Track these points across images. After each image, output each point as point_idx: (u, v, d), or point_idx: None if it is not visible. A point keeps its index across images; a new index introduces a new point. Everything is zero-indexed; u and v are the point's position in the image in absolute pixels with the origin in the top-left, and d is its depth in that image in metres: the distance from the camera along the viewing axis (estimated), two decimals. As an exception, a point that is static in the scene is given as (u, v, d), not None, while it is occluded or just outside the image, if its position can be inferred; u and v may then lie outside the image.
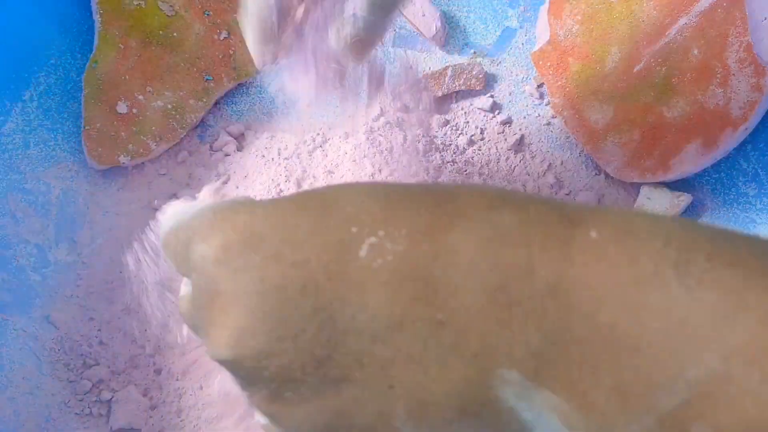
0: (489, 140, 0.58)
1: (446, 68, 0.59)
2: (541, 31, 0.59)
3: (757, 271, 0.24)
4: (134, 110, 0.55)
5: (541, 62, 0.59)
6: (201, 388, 0.47)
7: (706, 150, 0.52)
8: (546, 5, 0.59)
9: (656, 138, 0.54)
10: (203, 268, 0.28)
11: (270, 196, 0.51)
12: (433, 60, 0.61)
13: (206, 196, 0.35)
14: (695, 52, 0.53)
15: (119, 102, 0.55)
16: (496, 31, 0.62)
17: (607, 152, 0.55)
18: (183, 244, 0.29)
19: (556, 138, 0.58)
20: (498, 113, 0.59)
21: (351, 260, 0.26)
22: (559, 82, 0.58)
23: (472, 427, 0.27)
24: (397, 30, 0.62)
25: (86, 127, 0.54)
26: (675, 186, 0.54)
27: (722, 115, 0.52)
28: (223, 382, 0.47)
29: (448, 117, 0.58)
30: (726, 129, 0.52)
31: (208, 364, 0.47)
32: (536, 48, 0.59)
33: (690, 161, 0.53)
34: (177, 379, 0.47)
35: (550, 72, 0.58)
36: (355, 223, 0.26)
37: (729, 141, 0.52)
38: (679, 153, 0.53)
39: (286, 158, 0.53)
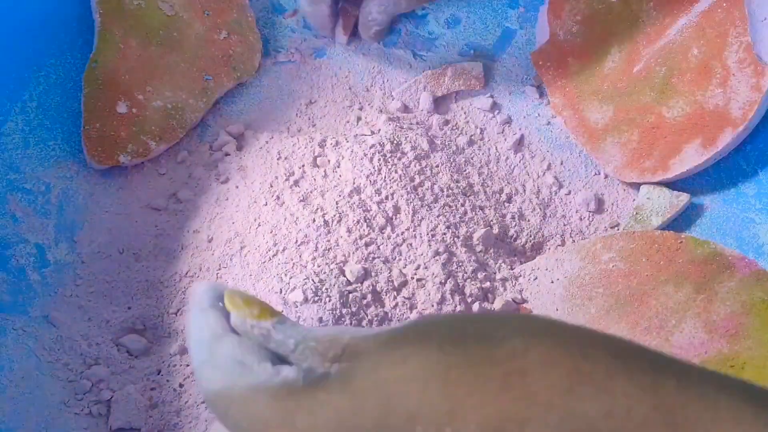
0: (489, 140, 0.58)
1: (446, 68, 0.59)
2: (541, 31, 0.59)
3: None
4: (134, 110, 0.55)
5: (540, 62, 0.59)
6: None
7: (706, 150, 0.52)
8: (546, 5, 0.59)
9: (656, 138, 0.54)
10: None
11: (269, 196, 0.51)
12: (433, 60, 0.61)
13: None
14: (695, 52, 0.53)
15: (119, 102, 0.55)
16: (496, 31, 0.62)
17: (606, 152, 0.55)
18: (232, 419, 0.29)
19: (556, 138, 0.58)
20: (498, 113, 0.59)
21: None
22: (559, 82, 0.58)
23: None
24: (400, 33, 0.62)
25: (86, 127, 0.54)
26: (675, 186, 0.54)
27: (722, 115, 0.52)
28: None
29: (447, 117, 0.58)
30: (726, 129, 0.52)
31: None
32: (536, 48, 0.59)
33: (690, 161, 0.53)
34: (177, 379, 0.47)
35: (550, 72, 0.58)
36: (419, 420, 0.25)
37: (729, 141, 0.52)
38: (679, 153, 0.53)
39: (285, 158, 0.53)
